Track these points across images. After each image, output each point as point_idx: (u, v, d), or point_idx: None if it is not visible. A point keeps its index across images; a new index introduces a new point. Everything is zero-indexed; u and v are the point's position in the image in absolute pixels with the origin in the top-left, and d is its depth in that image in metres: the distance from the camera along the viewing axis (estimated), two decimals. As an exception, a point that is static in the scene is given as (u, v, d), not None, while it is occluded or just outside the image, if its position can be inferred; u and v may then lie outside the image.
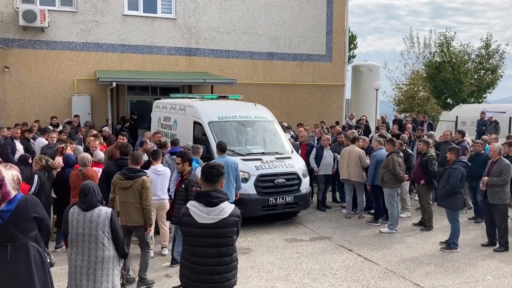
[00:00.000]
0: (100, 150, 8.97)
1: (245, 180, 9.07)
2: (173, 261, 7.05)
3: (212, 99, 11.96)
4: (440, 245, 8.35)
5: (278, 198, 9.28)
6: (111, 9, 16.80)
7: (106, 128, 12.99)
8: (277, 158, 9.70)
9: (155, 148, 8.99)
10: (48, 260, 4.39)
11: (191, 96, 13.32)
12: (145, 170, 6.63)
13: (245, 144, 10.12)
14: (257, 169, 9.20)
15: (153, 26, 17.41)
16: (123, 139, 9.97)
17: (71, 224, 4.44)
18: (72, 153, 8.50)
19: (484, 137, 12.03)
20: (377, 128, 14.71)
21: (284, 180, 9.34)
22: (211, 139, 9.76)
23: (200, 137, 10.40)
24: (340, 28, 20.06)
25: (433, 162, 9.39)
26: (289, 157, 9.94)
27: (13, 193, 4.08)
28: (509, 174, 8.10)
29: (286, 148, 10.41)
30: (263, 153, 9.84)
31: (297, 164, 9.78)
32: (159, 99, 18.07)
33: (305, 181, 9.75)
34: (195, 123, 10.59)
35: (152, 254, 7.26)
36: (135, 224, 6.19)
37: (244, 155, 9.60)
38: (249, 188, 9.06)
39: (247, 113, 10.72)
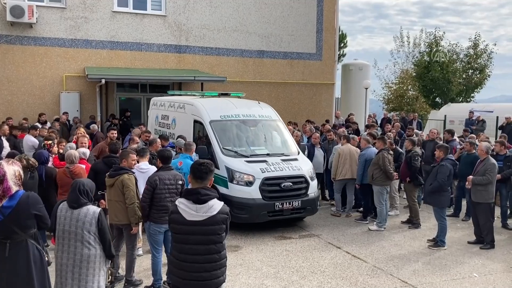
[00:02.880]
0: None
1: (250, 183, 8.60)
2: None
3: (213, 96, 11.40)
4: (427, 243, 8.43)
5: (284, 203, 8.72)
6: (101, 6, 16.68)
7: (94, 126, 12.87)
8: (283, 160, 9.15)
9: (143, 146, 8.95)
10: (46, 258, 4.36)
11: (190, 93, 12.75)
12: (131, 169, 6.55)
13: (248, 144, 9.57)
14: (262, 172, 8.67)
15: (143, 23, 17.32)
16: (113, 134, 9.93)
17: (58, 220, 4.40)
18: (61, 150, 8.42)
19: (472, 135, 12.13)
20: (367, 127, 14.79)
21: (291, 184, 8.78)
22: (212, 139, 9.25)
23: (200, 137, 9.94)
24: (330, 27, 20.12)
25: (416, 158, 9.45)
26: (296, 159, 9.40)
27: (14, 188, 4.05)
28: (493, 174, 8.18)
29: (292, 149, 9.85)
30: (268, 155, 9.28)
31: (304, 166, 9.24)
32: (149, 96, 18.09)
33: (313, 185, 9.22)
34: (195, 122, 10.06)
35: (140, 252, 7.25)
36: (121, 223, 6.15)
37: (248, 157, 9.06)
38: (253, 192, 8.56)
39: (251, 112, 10.13)
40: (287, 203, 8.75)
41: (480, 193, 8.17)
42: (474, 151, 9.93)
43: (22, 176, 4.23)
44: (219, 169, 8.73)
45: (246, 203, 8.46)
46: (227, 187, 8.65)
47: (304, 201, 8.94)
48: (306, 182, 9.01)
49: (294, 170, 8.96)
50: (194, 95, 11.92)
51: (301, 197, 8.93)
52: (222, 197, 8.16)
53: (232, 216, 8.20)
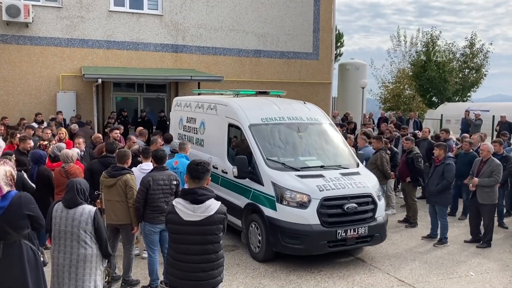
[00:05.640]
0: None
1: (304, 205, 6.88)
2: None
3: (249, 95, 9.77)
4: (423, 239, 8.56)
5: (348, 230, 6.94)
6: (97, 5, 16.64)
7: (74, 125, 12.80)
8: (343, 174, 7.42)
9: (145, 146, 8.90)
10: (42, 259, 4.34)
11: (217, 92, 10.90)
12: (131, 168, 6.56)
13: (297, 154, 7.92)
14: (320, 190, 6.94)
15: (139, 23, 17.28)
16: (116, 134, 9.88)
17: (54, 221, 4.39)
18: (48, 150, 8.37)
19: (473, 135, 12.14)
20: (364, 125, 14.83)
21: (356, 205, 7.02)
22: (254, 147, 7.62)
23: (237, 144, 8.39)
24: (327, 26, 20.12)
25: (419, 160, 9.50)
26: (358, 173, 7.69)
27: (5, 189, 4.04)
28: (500, 174, 8.22)
29: (351, 160, 8.16)
30: (322, 167, 7.61)
31: (369, 182, 7.51)
32: (146, 96, 18.10)
33: (381, 206, 7.51)
34: (230, 125, 8.40)
35: (137, 251, 7.24)
36: (121, 223, 6.15)
37: (298, 170, 7.37)
38: (310, 216, 6.83)
39: (297, 114, 8.46)
40: (352, 230, 6.97)
41: (487, 194, 8.17)
42: (471, 150, 9.99)
43: (15, 176, 4.21)
44: (263, 185, 7.25)
45: (301, 231, 6.78)
46: (275, 209, 7.00)
47: (371, 227, 7.16)
48: (374, 202, 7.29)
49: (358, 187, 7.24)
50: (221, 94, 10.47)
51: (368, 221, 7.18)
52: (268, 222, 7.03)
53: (281, 246, 6.99)
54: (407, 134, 12.25)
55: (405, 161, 9.66)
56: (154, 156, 6.32)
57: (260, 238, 7.20)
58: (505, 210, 10.07)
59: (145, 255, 7.21)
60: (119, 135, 10.36)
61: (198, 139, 9.57)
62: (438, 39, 26.68)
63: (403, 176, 9.71)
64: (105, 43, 16.84)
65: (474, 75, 26.77)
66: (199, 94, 11.22)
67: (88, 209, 4.41)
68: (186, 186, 4.15)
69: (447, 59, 25.50)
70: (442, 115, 20.85)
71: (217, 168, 8.41)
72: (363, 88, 21.08)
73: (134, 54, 17.23)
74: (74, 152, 7.55)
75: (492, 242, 8.34)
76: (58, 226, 4.38)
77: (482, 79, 26.86)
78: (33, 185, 6.81)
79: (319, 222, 6.84)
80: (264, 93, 9.86)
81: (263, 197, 7.21)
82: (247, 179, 7.55)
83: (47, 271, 4.52)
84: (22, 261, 4.09)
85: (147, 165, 6.94)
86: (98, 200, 6.36)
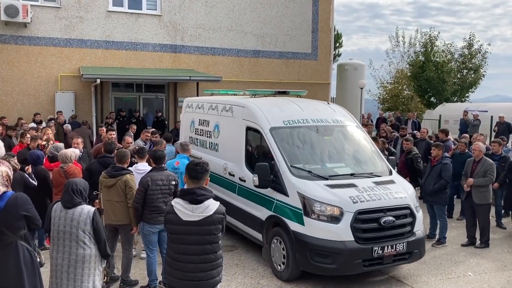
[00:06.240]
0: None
1: (336, 219, 6.13)
2: None
3: (266, 95, 9.00)
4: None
5: (385, 247, 6.18)
6: (96, 5, 16.64)
7: (66, 126, 12.74)
8: (377, 183, 6.67)
9: (143, 145, 8.90)
10: (38, 259, 4.33)
11: (232, 92, 10.12)
12: (129, 168, 6.57)
13: (324, 160, 7.14)
14: (353, 202, 6.18)
15: (138, 23, 17.28)
16: (112, 135, 9.91)
17: (53, 221, 4.39)
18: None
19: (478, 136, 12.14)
20: (364, 126, 14.84)
21: (393, 219, 6.27)
22: (276, 153, 6.87)
23: (256, 149, 7.60)
24: (326, 27, 20.15)
25: (419, 160, 9.52)
26: (392, 181, 6.92)
27: (2, 189, 4.02)
28: (494, 174, 8.25)
29: (383, 167, 7.40)
30: (353, 175, 6.84)
31: (406, 192, 6.73)
32: (145, 96, 18.10)
33: (419, 218, 6.69)
34: (248, 129, 7.64)
35: (135, 253, 7.23)
36: (120, 223, 6.15)
37: (327, 179, 6.61)
38: (342, 232, 6.08)
39: (321, 116, 7.69)
40: (389, 247, 6.21)
41: (482, 194, 8.20)
42: (467, 151, 10.01)
43: (11, 177, 4.20)
44: (287, 196, 6.51)
45: (333, 248, 6.06)
46: (302, 223, 6.26)
47: (410, 242, 6.40)
48: (412, 215, 6.53)
49: (395, 198, 6.48)
50: (235, 94, 9.80)
51: (406, 237, 6.42)
52: (294, 237, 6.45)
53: (310, 265, 6.29)
54: (406, 135, 12.28)
55: (404, 161, 9.68)
56: (153, 156, 6.32)
57: (284, 255, 6.55)
58: (503, 211, 10.08)
59: (144, 255, 7.21)
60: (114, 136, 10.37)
61: (212, 143, 8.84)
62: (436, 40, 26.72)
63: (403, 176, 9.72)
64: (103, 43, 16.83)
65: (473, 75, 26.79)
66: (211, 94, 10.53)
67: (87, 209, 4.40)
68: (185, 187, 4.15)
69: (446, 60, 25.53)
70: (440, 115, 20.88)
71: (233, 176, 7.82)
72: (361, 88, 21.09)
73: (133, 54, 17.23)
74: (73, 152, 7.54)
75: (490, 242, 8.36)
76: (57, 226, 4.37)
77: (480, 80, 26.88)
78: (34, 183, 6.85)
79: (353, 238, 6.09)
80: (284, 93, 9.04)
81: (288, 209, 6.49)
82: (268, 188, 6.85)
83: (46, 271, 4.52)
84: (18, 262, 4.08)
85: (142, 166, 6.92)
86: (97, 200, 6.37)
